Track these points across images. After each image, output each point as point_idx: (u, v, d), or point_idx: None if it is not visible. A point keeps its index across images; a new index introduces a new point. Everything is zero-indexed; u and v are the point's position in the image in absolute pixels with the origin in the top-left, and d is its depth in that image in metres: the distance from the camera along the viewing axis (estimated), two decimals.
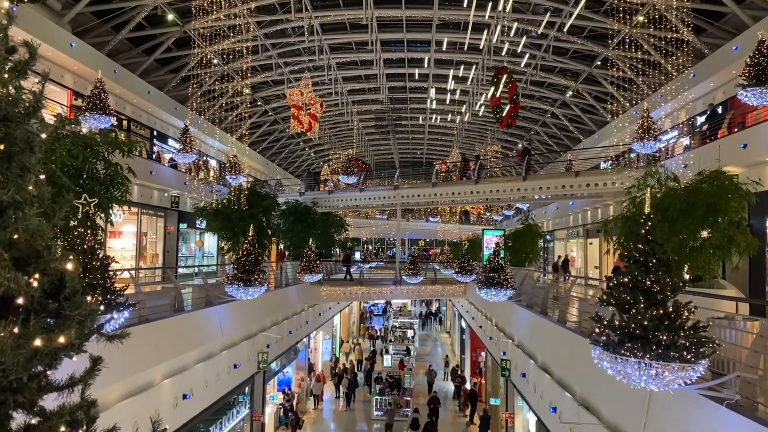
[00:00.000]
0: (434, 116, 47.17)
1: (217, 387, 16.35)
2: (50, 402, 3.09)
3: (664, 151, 23.58)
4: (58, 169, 10.33)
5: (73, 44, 22.12)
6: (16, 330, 2.77)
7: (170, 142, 30.60)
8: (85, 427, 3.13)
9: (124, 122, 26.31)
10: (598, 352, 6.77)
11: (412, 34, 32.19)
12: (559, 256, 31.08)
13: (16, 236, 3.02)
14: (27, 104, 3.22)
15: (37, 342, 2.75)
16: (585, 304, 13.84)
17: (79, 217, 8.11)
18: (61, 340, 2.90)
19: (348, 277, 30.53)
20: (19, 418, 2.97)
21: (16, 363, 2.70)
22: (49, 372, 3.03)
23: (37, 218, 3.08)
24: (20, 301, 2.87)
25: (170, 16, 26.31)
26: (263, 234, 23.76)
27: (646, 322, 6.38)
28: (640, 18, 23.98)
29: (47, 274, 2.96)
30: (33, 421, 2.98)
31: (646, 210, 7.13)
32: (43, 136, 3.27)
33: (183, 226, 29.55)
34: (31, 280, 2.88)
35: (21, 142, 3.13)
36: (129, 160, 12.99)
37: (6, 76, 3.14)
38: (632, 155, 26.24)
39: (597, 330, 6.83)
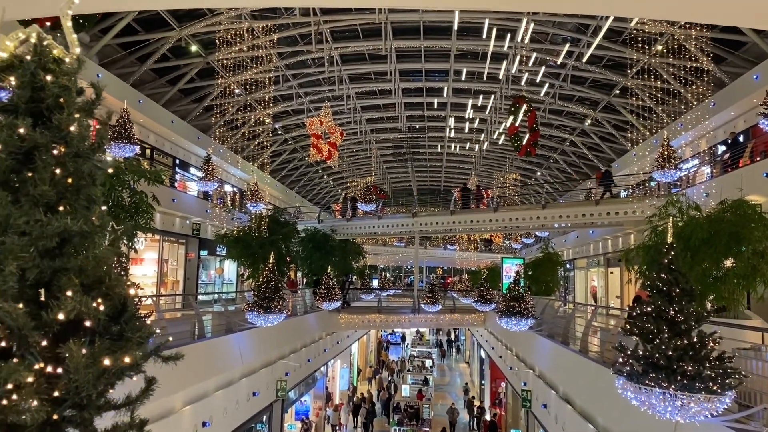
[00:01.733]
0: (452, 144, 47.40)
1: (237, 414, 16.32)
2: (102, 421, 3.21)
3: (685, 180, 23.45)
4: None
5: (100, 75, 22.72)
6: (84, 351, 2.90)
7: (192, 170, 31.07)
8: None
9: (148, 151, 26.82)
10: (622, 382, 6.71)
11: (430, 64, 32.56)
12: (593, 286, 30.35)
13: (84, 263, 3.19)
14: (92, 141, 3.42)
15: (106, 362, 2.88)
16: (607, 334, 13.70)
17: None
18: (127, 360, 3.07)
19: (344, 304, 29.97)
20: None
21: (87, 381, 2.82)
22: (109, 391, 3.17)
23: (101, 246, 3.26)
24: (87, 323, 3.03)
25: (194, 48, 26.93)
26: (282, 261, 23.91)
27: (670, 352, 6.33)
28: (659, 47, 24.07)
29: (110, 299, 3.10)
30: None
31: (669, 239, 7.11)
32: (110, 170, 3.45)
33: (204, 253, 29.83)
34: (98, 304, 3.02)
35: (87, 176, 3.34)
36: (153, 188, 13.24)
37: (77, 115, 3.32)
38: (652, 184, 26.11)
39: (621, 360, 6.78)
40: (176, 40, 25.57)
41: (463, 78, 33.48)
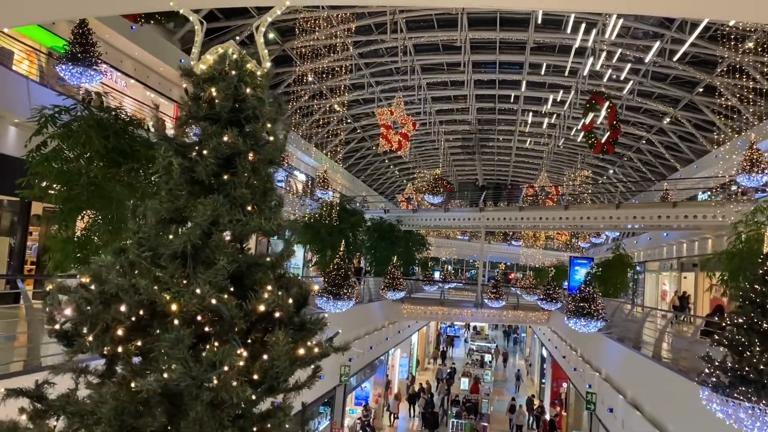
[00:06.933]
0: (523, 139, 46.63)
1: (303, 396, 16.67)
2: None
3: None
4: None
5: (182, 60, 23.53)
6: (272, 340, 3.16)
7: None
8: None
9: None
10: (707, 394, 6.51)
11: (504, 55, 32.10)
12: (675, 291, 28.91)
13: (275, 259, 3.51)
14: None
15: (301, 351, 3.10)
16: (682, 341, 13.28)
17: None
18: (316, 350, 3.34)
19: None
20: None
21: (285, 367, 3.06)
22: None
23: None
24: (277, 314, 3.28)
25: (271, 35, 27.47)
26: (350, 249, 24.25)
27: (762, 366, 6.10)
28: (750, 45, 22.88)
29: (296, 292, 3.35)
30: None
31: (765, 249, 6.82)
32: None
33: (273, 238, 30.52)
34: (288, 297, 3.27)
35: (270, 181, 3.66)
36: None
37: (270, 125, 3.63)
38: (734, 188, 24.95)
39: (707, 370, 6.58)
40: (256, 27, 26.12)
41: (537, 71, 32.86)
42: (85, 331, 3.05)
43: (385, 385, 31.48)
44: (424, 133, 45.20)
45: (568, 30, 26.72)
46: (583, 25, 26.00)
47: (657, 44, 26.19)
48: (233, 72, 3.58)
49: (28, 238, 14.56)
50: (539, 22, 26.50)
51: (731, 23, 20.97)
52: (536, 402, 33.98)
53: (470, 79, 35.15)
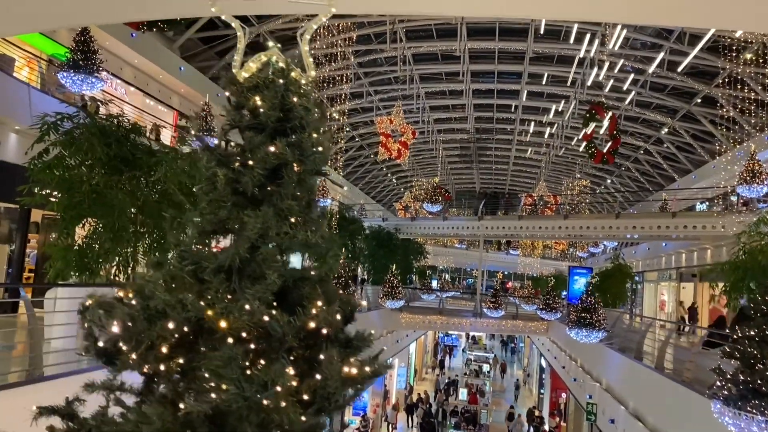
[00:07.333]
0: (521, 148, 46.68)
1: None
2: None
3: None
4: (176, 186, 10.88)
5: (182, 68, 23.51)
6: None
7: None
8: None
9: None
10: (719, 407, 6.44)
11: (503, 65, 32.18)
12: (681, 302, 28.43)
13: (323, 274, 3.42)
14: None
15: (353, 370, 2.99)
16: (685, 352, 13.21)
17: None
18: (367, 369, 3.17)
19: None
20: None
21: (337, 387, 2.96)
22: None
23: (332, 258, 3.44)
24: (324, 331, 3.14)
25: (270, 44, 27.39)
26: (348, 257, 24.16)
27: None
28: (748, 56, 22.94)
29: (343, 308, 3.24)
30: None
31: None
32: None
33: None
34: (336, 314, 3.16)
35: (314, 192, 3.56)
36: None
37: (316, 135, 3.52)
38: (733, 198, 24.96)
39: (718, 383, 6.52)
40: (255, 35, 26.12)
41: (536, 80, 32.94)
42: (124, 347, 2.93)
43: (383, 395, 31.29)
44: (422, 141, 45.18)
45: (571, 40, 26.77)
46: (587, 36, 26.01)
47: (661, 55, 26.13)
48: (280, 80, 3.48)
49: (27, 245, 14.45)
50: (542, 32, 26.52)
51: (736, 34, 21.09)
52: (537, 413, 33.82)
53: (469, 89, 35.21)
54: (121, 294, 3.08)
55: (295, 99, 3.47)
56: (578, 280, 27.59)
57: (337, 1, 3.75)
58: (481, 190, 61.97)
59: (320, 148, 3.46)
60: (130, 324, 2.89)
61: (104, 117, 10.43)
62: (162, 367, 2.95)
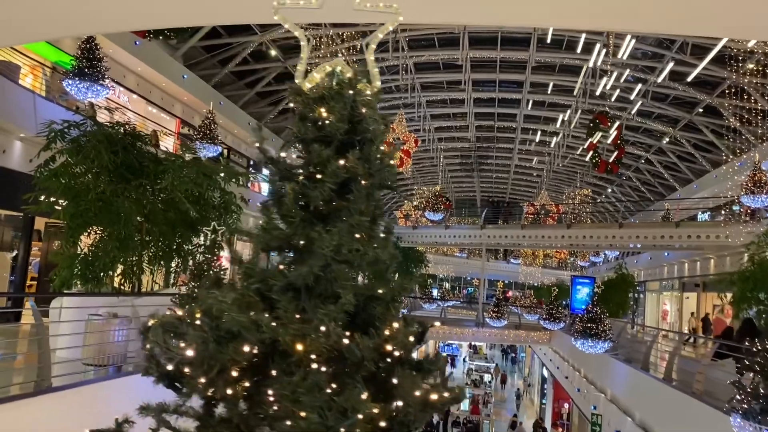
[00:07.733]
0: (522, 157, 46.68)
1: None
2: None
3: None
4: (182, 194, 10.80)
5: (185, 76, 23.48)
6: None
7: (264, 171, 31.66)
8: None
9: (224, 151, 27.46)
10: (739, 421, 6.34)
11: (505, 74, 32.20)
12: (692, 313, 27.80)
13: (394, 293, 3.25)
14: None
15: (434, 396, 2.85)
16: (694, 364, 13.10)
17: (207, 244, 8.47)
18: (446, 394, 3.02)
19: None
20: None
21: (418, 413, 2.82)
22: None
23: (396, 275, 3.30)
24: (397, 353, 3.01)
25: (273, 52, 27.46)
26: None
27: None
28: (750, 66, 22.94)
29: (415, 329, 3.12)
30: None
31: None
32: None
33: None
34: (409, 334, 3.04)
35: (381, 207, 3.44)
36: (241, 188, 13.53)
37: (385, 149, 3.43)
38: (735, 208, 24.87)
39: (738, 397, 6.41)
40: (258, 44, 26.14)
41: (538, 89, 32.95)
42: (192, 371, 2.77)
43: None
44: (423, 149, 45.13)
45: (578, 50, 26.76)
46: (595, 45, 25.96)
47: (670, 65, 25.99)
48: (350, 91, 3.35)
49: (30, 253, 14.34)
50: (548, 41, 26.53)
51: (731, 44, 21.09)
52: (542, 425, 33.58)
53: (470, 98, 35.22)
54: (182, 313, 2.94)
55: (363, 110, 3.35)
56: (581, 289, 27.46)
57: (404, 10, 3.59)
58: (481, 198, 61.91)
59: (390, 161, 3.33)
60: (201, 347, 2.74)
61: (110, 125, 10.36)
62: (229, 391, 2.79)
